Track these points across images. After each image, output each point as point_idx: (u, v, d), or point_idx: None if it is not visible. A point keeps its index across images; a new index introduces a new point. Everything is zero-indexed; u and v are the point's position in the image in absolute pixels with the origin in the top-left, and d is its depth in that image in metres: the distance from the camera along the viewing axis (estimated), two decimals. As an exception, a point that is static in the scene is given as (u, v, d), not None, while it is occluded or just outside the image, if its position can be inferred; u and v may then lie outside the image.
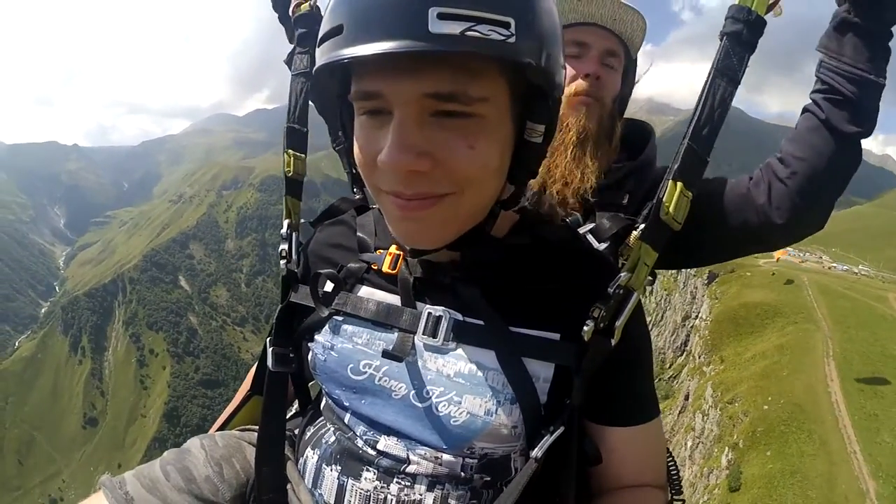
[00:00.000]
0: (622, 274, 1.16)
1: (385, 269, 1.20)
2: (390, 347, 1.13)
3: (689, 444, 44.31)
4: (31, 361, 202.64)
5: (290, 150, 1.49)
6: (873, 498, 30.14)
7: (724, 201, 1.63)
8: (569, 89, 1.75)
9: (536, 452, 1.07)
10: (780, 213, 1.55)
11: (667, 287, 74.36)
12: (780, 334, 48.91)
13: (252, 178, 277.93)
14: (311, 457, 1.24)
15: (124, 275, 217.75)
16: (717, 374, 48.83)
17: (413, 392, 1.13)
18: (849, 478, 31.79)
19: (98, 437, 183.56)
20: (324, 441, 1.23)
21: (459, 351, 1.11)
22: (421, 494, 1.09)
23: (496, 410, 1.08)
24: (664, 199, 1.19)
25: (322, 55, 0.91)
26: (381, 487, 1.10)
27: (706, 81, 1.22)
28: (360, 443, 1.16)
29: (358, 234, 1.33)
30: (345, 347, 1.20)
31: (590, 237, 1.50)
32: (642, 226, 1.26)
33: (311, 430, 1.31)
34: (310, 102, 1.53)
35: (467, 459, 1.12)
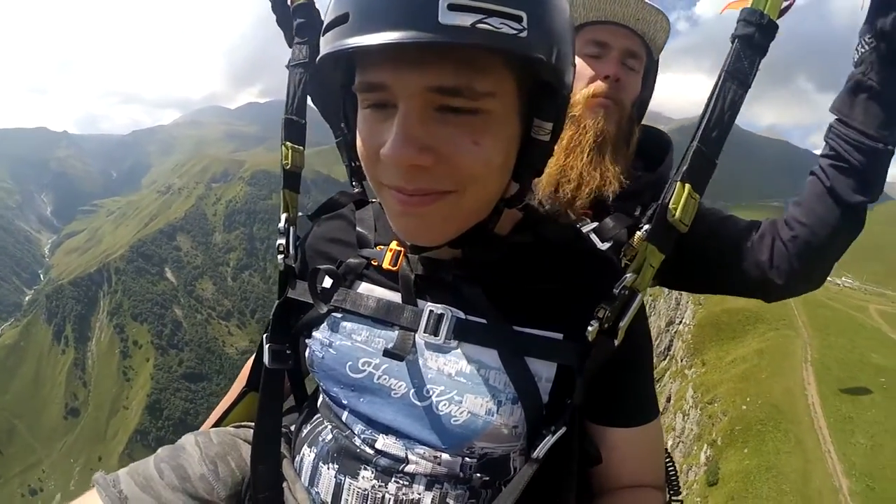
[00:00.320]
0: (627, 275, 1.15)
1: (385, 265, 1.18)
2: (391, 345, 1.11)
3: (670, 443, 44.78)
4: (14, 349, 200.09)
5: (288, 143, 1.46)
6: (846, 494, 30.72)
7: (729, 246, 1.62)
8: (587, 90, 1.71)
9: (538, 452, 1.06)
10: (779, 272, 1.55)
11: (652, 293, 74.81)
12: (760, 339, 49.54)
13: (242, 172, 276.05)
14: (307, 455, 1.22)
15: (110, 265, 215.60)
16: (698, 377, 49.27)
17: (413, 391, 1.12)
18: (823, 475, 32.39)
19: (79, 428, 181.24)
20: (321, 439, 1.21)
21: (461, 350, 1.10)
22: (419, 494, 1.08)
23: (497, 410, 1.07)
24: (671, 201, 1.18)
25: (326, 44, 0.88)
26: (379, 486, 1.09)
27: (716, 84, 1.21)
28: (357, 441, 1.15)
29: (357, 229, 1.30)
30: (343, 345, 1.19)
31: (593, 237, 1.47)
32: (646, 227, 1.24)
33: (308, 428, 1.29)
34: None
35: (466, 459, 1.11)
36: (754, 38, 1.20)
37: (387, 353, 1.10)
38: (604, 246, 1.41)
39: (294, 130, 1.47)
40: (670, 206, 1.18)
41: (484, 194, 0.98)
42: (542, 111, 0.96)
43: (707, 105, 1.21)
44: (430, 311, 1.11)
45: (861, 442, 34.23)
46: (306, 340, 1.30)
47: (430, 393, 1.10)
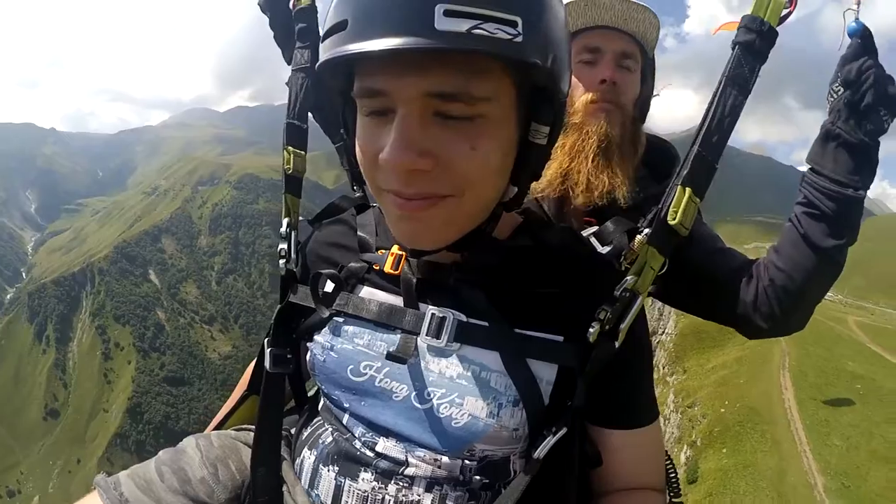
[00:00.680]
0: (628, 277, 1.16)
1: (387, 269, 1.18)
2: (393, 349, 1.12)
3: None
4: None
5: (289, 147, 1.46)
6: (821, 491, 31.38)
7: (721, 280, 1.66)
8: (586, 97, 1.73)
9: (538, 453, 1.07)
10: (761, 315, 1.59)
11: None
12: (740, 348, 50.34)
13: (229, 176, 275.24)
14: (307, 457, 1.22)
15: (94, 265, 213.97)
16: (679, 383, 50.23)
17: (414, 394, 1.12)
18: (798, 472, 33.14)
19: (59, 430, 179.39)
20: (321, 442, 1.21)
21: (463, 352, 1.11)
22: (419, 496, 1.08)
23: (498, 413, 1.08)
24: (672, 205, 1.19)
25: (325, 51, 0.90)
26: (379, 488, 1.09)
27: (717, 89, 1.22)
28: (357, 444, 1.16)
29: (359, 233, 1.31)
30: (345, 348, 1.19)
31: (593, 240, 1.47)
32: (647, 230, 1.24)
33: (308, 431, 1.29)
34: None
35: (467, 461, 1.11)
36: (755, 44, 1.21)
37: (390, 357, 1.10)
38: (604, 249, 1.42)
39: (296, 135, 1.47)
40: (671, 209, 1.19)
41: (482, 198, 1.00)
42: (540, 115, 0.97)
43: (708, 110, 1.22)
44: (432, 315, 1.12)
45: (837, 444, 34.88)
46: (307, 344, 1.30)
47: (432, 396, 1.11)
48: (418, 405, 1.12)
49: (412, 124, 0.87)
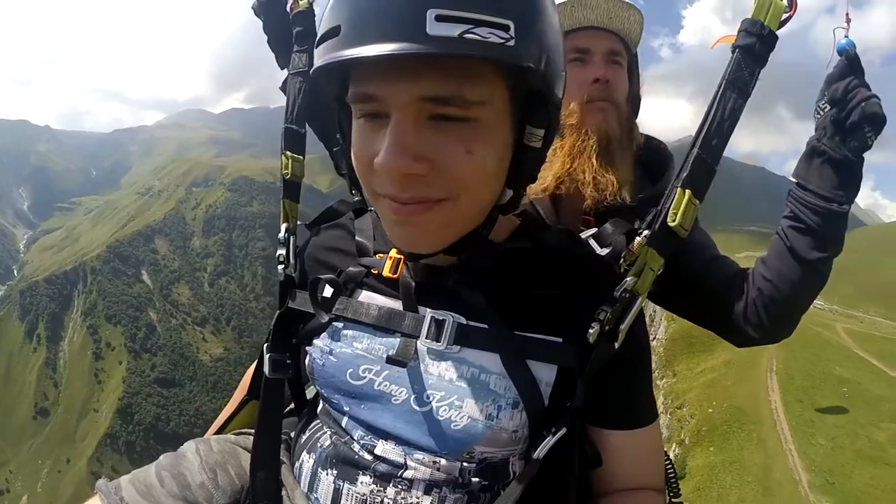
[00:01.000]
0: (628, 279, 1.17)
1: (385, 273, 1.19)
2: (392, 352, 1.12)
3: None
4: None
5: (287, 152, 1.45)
6: (805, 486, 32.17)
7: (715, 288, 1.69)
8: (581, 97, 1.74)
9: (538, 453, 1.08)
10: (750, 324, 1.63)
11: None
12: (729, 352, 51.07)
13: (223, 178, 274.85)
14: (306, 461, 1.22)
15: (86, 264, 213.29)
16: (669, 386, 51.10)
17: (413, 397, 1.13)
18: (783, 469, 34.14)
19: (48, 429, 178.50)
20: (319, 445, 1.22)
21: (462, 355, 1.11)
22: (418, 498, 1.08)
23: (497, 415, 1.09)
24: (672, 207, 1.20)
25: (319, 56, 0.90)
26: (378, 492, 1.09)
27: (716, 92, 1.23)
28: (356, 447, 1.16)
29: (357, 238, 1.31)
30: (344, 352, 1.20)
31: (592, 242, 1.48)
32: (646, 232, 1.25)
33: (307, 434, 1.29)
34: None
35: (466, 464, 1.11)
36: (755, 48, 1.22)
37: (389, 361, 1.11)
38: (603, 251, 1.42)
39: (294, 139, 1.46)
40: (671, 211, 1.20)
41: (478, 201, 1.00)
42: (534, 118, 0.97)
43: (707, 113, 1.23)
44: (432, 318, 1.12)
45: (822, 443, 35.64)
46: (306, 348, 1.30)
47: (431, 399, 1.11)
48: (417, 408, 1.12)
49: (406, 129, 0.87)
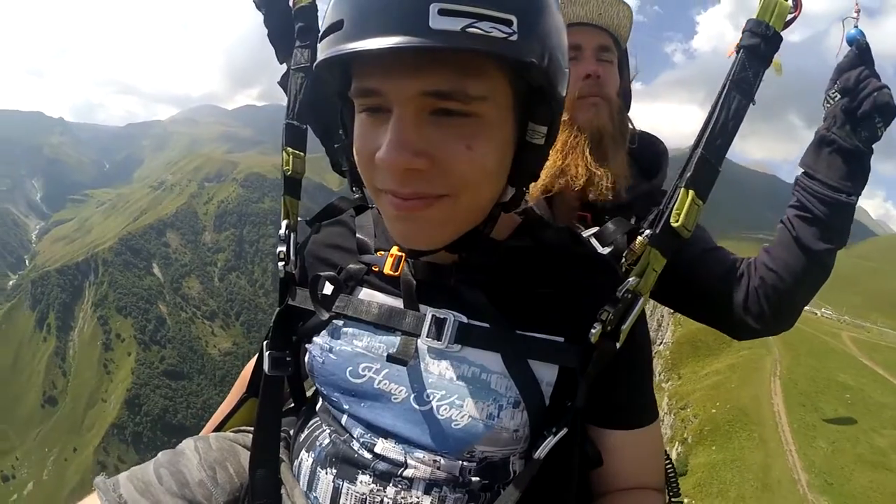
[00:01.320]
0: (630, 279, 1.16)
1: (387, 270, 1.18)
2: (392, 351, 1.11)
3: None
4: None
5: (288, 148, 1.45)
6: (804, 485, 32.64)
7: (712, 279, 1.67)
8: (572, 93, 1.72)
9: (539, 453, 1.08)
10: (751, 315, 1.60)
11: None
12: (734, 356, 51.80)
13: (236, 174, 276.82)
14: (305, 459, 1.21)
15: (98, 255, 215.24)
16: (673, 388, 51.58)
17: (413, 396, 1.12)
18: (783, 468, 34.55)
19: (56, 418, 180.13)
20: (318, 444, 1.21)
21: (463, 354, 1.11)
22: (418, 498, 1.07)
23: (498, 414, 1.08)
24: (675, 207, 1.20)
25: (322, 51, 0.90)
26: (378, 491, 1.08)
27: (720, 92, 1.23)
28: (356, 446, 1.15)
29: (357, 235, 1.30)
30: (344, 350, 1.19)
31: (593, 241, 1.46)
32: (648, 231, 1.25)
33: (306, 432, 1.28)
34: None
35: (466, 463, 1.11)
36: (759, 48, 1.22)
37: (390, 359, 1.10)
38: (605, 250, 1.41)
39: (295, 135, 1.46)
40: (674, 211, 1.19)
41: (478, 198, 0.99)
42: (537, 115, 0.97)
43: (711, 113, 1.22)
44: (433, 316, 1.11)
45: (822, 446, 36.03)
46: (306, 346, 1.29)
47: (431, 398, 1.10)
48: (417, 407, 1.11)
49: (408, 124, 0.87)
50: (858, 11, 1.37)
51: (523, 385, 1.08)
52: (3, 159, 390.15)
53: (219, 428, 1.57)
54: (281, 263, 1.37)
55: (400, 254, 1.18)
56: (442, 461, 1.09)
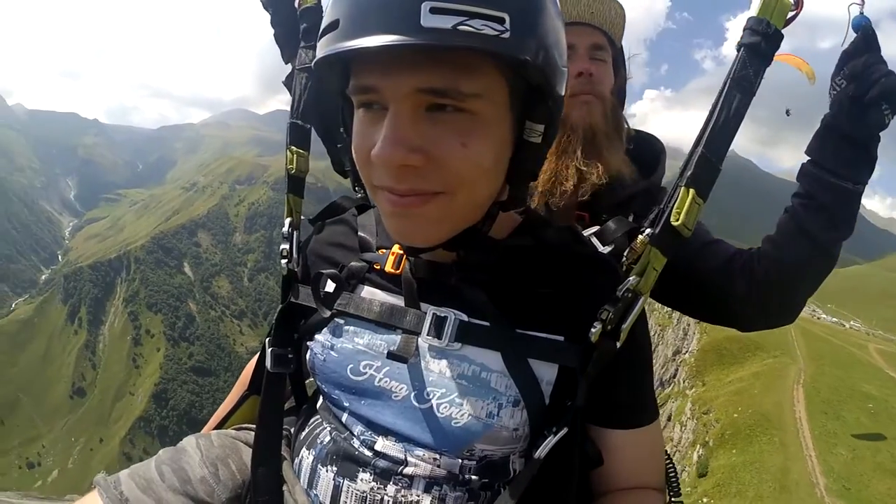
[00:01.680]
0: (631, 278, 1.15)
1: (388, 268, 1.19)
2: (393, 348, 1.12)
3: (668, 451, 48.05)
4: (27, 324, 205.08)
5: (293, 147, 1.46)
6: (822, 489, 33.19)
7: (710, 272, 1.65)
8: (565, 92, 1.54)
9: (539, 453, 1.08)
10: (753, 304, 1.59)
11: (661, 322, 77.13)
12: (759, 365, 52.24)
13: (266, 176, 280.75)
14: (306, 457, 1.22)
15: (130, 253, 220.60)
16: (697, 395, 52.23)
17: (414, 394, 1.12)
18: (802, 472, 35.03)
19: (84, 409, 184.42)
20: (319, 441, 1.21)
21: (463, 352, 1.11)
22: (418, 496, 1.08)
23: (498, 413, 1.08)
24: (675, 206, 1.19)
25: (319, 50, 0.91)
26: (378, 489, 1.09)
27: (721, 91, 1.22)
28: (356, 443, 1.15)
29: (359, 233, 1.31)
30: (345, 348, 1.19)
31: (594, 240, 1.45)
32: (648, 230, 1.25)
33: (307, 430, 1.29)
34: None
35: (466, 461, 1.11)
36: (760, 46, 1.21)
37: (391, 356, 1.11)
38: (605, 249, 1.41)
39: (299, 135, 1.47)
40: (674, 210, 1.19)
41: (474, 196, 0.99)
42: (534, 113, 0.97)
43: (712, 112, 1.22)
44: (434, 314, 1.12)
45: (842, 453, 36.61)
46: (307, 343, 1.29)
47: (431, 396, 1.11)
48: (418, 405, 1.12)
49: (403, 120, 0.87)
50: None
51: (523, 384, 1.09)
52: (39, 157, 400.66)
53: (220, 425, 1.58)
54: (284, 261, 1.38)
55: (401, 252, 1.19)
56: (442, 459, 1.10)
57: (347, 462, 1.13)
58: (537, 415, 1.10)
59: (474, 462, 1.12)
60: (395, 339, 1.14)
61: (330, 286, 1.21)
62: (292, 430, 1.40)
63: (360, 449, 1.14)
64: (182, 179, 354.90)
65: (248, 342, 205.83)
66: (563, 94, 1.02)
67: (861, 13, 1.36)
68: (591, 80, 1.74)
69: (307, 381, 1.54)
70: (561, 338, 1.12)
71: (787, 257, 1.51)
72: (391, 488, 1.08)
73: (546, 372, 1.10)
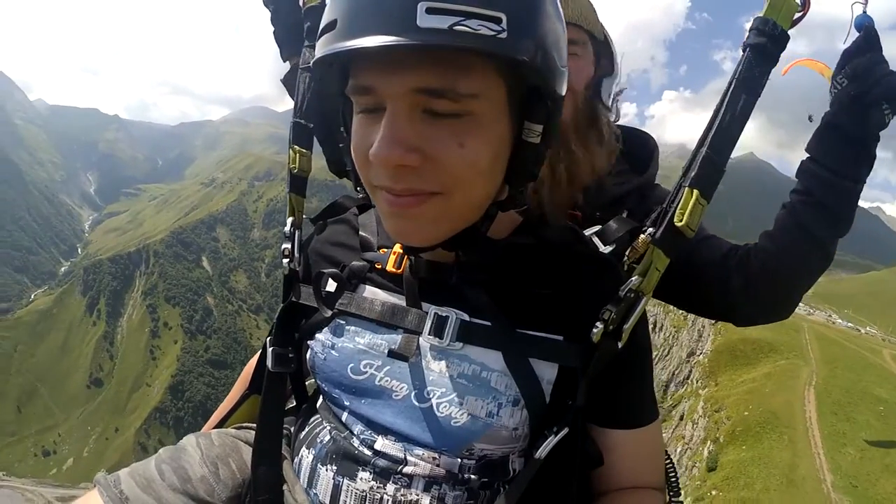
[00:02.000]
0: (633, 278, 1.16)
1: (390, 267, 1.19)
2: (395, 347, 1.13)
3: (679, 449, 48.60)
4: (46, 315, 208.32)
5: (295, 146, 1.47)
6: (829, 485, 33.74)
7: (707, 267, 1.63)
8: None
9: (540, 453, 1.08)
10: (748, 299, 1.58)
11: (676, 324, 77.53)
12: (771, 366, 52.44)
13: (285, 173, 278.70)
14: (305, 456, 1.22)
15: (149, 247, 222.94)
16: (709, 394, 52.70)
17: (414, 393, 1.12)
18: (810, 468, 35.62)
19: (100, 399, 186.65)
20: (319, 441, 1.21)
21: (464, 352, 1.11)
22: (417, 495, 1.08)
23: (497, 412, 1.09)
24: (679, 206, 1.20)
25: (317, 50, 0.91)
26: (377, 488, 1.09)
27: (726, 91, 1.22)
28: (356, 442, 1.15)
29: (360, 233, 1.31)
30: (346, 347, 1.19)
31: (595, 240, 1.44)
32: (650, 229, 1.26)
33: (307, 430, 1.29)
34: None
35: (465, 461, 1.11)
36: (766, 47, 1.21)
37: (391, 354, 1.12)
38: (607, 249, 1.40)
39: (302, 134, 1.47)
40: (678, 211, 1.19)
41: (472, 196, 0.99)
42: (532, 114, 0.96)
43: (716, 112, 1.22)
44: (435, 314, 1.12)
45: (851, 452, 37.10)
46: (308, 342, 1.29)
47: (431, 395, 1.11)
48: (418, 404, 1.12)
49: (400, 120, 0.87)
50: None
51: (524, 383, 1.09)
52: (60, 152, 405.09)
53: (221, 424, 1.59)
54: (285, 260, 1.38)
55: (402, 251, 1.19)
56: (441, 459, 1.10)
57: (347, 461, 1.13)
58: (538, 414, 1.10)
59: (473, 461, 1.12)
60: (396, 339, 1.14)
61: (331, 285, 1.21)
62: (292, 429, 1.40)
63: (360, 448, 1.14)
64: (201, 175, 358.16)
65: (265, 336, 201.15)
66: (562, 93, 1.01)
67: (864, 12, 1.36)
68: None
69: (307, 381, 1.54)
70: (559, 337, 1.12)
71: (783, 252, 1.51)
72: (390, 487, 1.08)
73: (547, 371, 1.10)
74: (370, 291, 1.21)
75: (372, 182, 0.98)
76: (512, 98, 0.94)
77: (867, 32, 1.37)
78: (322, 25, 0.90)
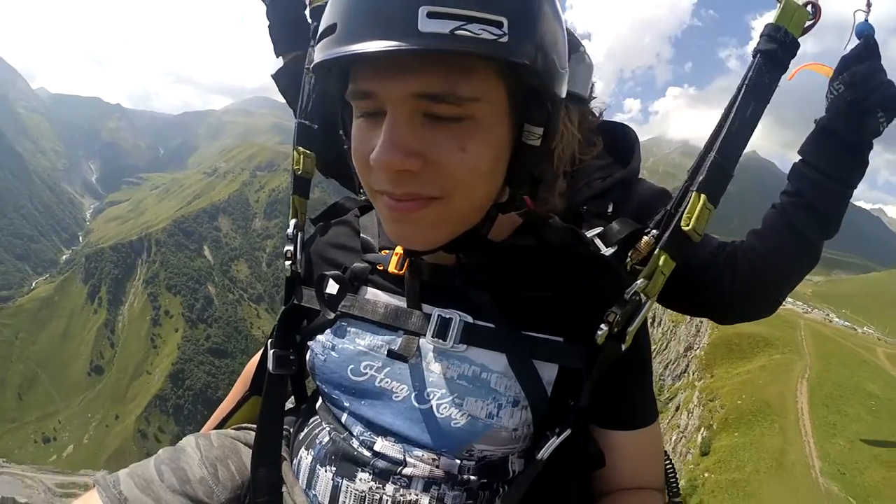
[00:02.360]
0: (639, 281, 1.16)
1: (391, 269, 1.19)
2: (395, 348, 1.13)
3: (674, 437, 49.68)
4: (47, 302, 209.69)
5: (299, 147, 1.46)
6: (817, 471, 35.00)
7: (695, 265, 1.61)
8: None
9: (542, 454, 1.08)
10: (735, 296, 1.59)
11: (674, 319, 78.74)
12: (766, 359, 53.77)
13: (287, 164, 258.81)
14: (304, 457, 1.21)
15: (151, 236, 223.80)
16: (705, 385, 54.08)
17: (414, 394, 1.12)
18: (799, 454, 37.00)
19: (101, 386, 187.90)
20: (318, 442, 1.21)
21: (466, 353, 1.11)
22: (416, 496, 1.08)
23: (497, 413, 1.08)
24: (686, 211, 1.19)
25: (317, 54, 0.91)
26: (377, 489, 1.09)
27: (735, 96, 1.22)
28: (355, 443, 1.15)
29: (361, 235, 1.31)
30: (346, 348, 1.19)
31: (597, 241, 1.46)
32: (654, 231, 1.28)
33: (306, 431, 1.28)
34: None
35: (465, 462, 1.11)
36: (776, 54, 1.21)
37: (391, 354, 1.12)
38: (608, 251, 1.42)
39: (306, 135, 1.47)
40: (685, 215, 1.19)
41: (472, 199, 0.99)
42: (532, 116, 0.96)
43: (725, 117, 1.22)
44: (439, 316, 1.12)
45: (840, 443, 38.29)
46: (308, 343, 1.29)
47: (431, 396, 1.11)
48: (417, 405, 1.12)
49: (400, 125, 0.87)
50: (870, 5, 1.36)
51: (528, 385, 1.09)
52: (62, 140, 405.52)
53: (220, 425, 1.59)
54: (287, 262, 1.38)
55: (404, 253, 1.19)
56: (441, 460, 1.10)
57: (346, 462, 1.13)
58: (541, 415, 1.11)
59: (473, 462, 1.12)
60: (396, 341, 1.14)
61: (333, 287, 1.21)
62: (291, 430, 1.40)
63: (359, 449, 1.14)
64: (203, 165, 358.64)
65: (265, 326, 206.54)
66: (563, 96, 1.01)
67: (866, 20, 1.37)
68: None
69: (307, 382, 1.54)
70: (560, 339, 1.12)
71: (773, 253, 1.52)
72: (390, 488, 1.08)
73: (547, 372, 1.11)
74: (372, 293, 1.21)
75: (372, 186, 0.97)
76: (512, 101, 0.93)
77: (867, 40, 1.38)
78: (321, 29, 0.90)
